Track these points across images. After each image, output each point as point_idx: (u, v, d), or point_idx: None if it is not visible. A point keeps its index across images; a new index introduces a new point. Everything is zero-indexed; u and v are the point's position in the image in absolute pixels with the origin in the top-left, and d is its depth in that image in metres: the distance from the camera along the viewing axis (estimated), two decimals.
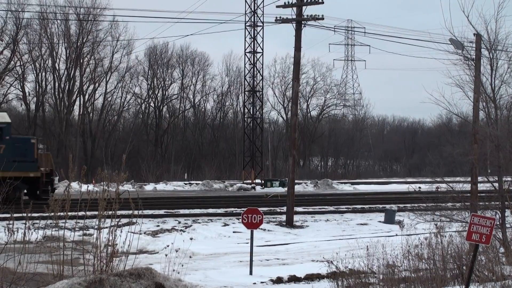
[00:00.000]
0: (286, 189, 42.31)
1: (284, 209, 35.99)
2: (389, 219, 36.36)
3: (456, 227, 22.70)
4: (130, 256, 12.72)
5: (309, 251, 26.66)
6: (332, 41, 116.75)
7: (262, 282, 19.82)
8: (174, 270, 13.24)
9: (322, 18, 34.50)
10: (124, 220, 16.08)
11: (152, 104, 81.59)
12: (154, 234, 29.80)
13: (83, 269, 12.41)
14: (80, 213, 12.82)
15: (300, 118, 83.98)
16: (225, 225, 32.99)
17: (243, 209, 25.90)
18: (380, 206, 42.44)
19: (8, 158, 34.90)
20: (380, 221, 36.83)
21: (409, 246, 17.42)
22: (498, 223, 21.72)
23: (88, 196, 12.24)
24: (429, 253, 16.94)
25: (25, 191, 37.50)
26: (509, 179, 25.43)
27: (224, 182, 64.41)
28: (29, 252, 12.39)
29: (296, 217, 35.42)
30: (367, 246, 17.93)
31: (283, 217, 35.38)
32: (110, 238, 12.37)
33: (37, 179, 37.79)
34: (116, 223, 12.62)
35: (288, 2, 34.59)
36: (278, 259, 24.92)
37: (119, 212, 12.72)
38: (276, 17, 35.98)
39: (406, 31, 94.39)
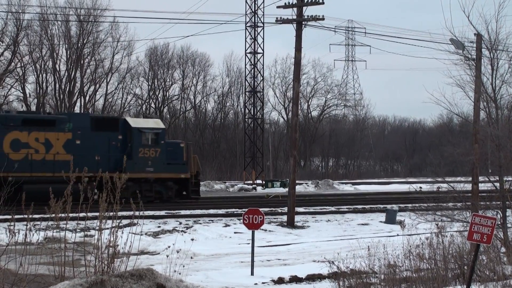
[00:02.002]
0: (287, 189, 42.29)
1: (285, 209, 35.99)
2: (390, 219, 36.36)
3: (457, 227, 22.70)
4: (131, 257, 12.72)
5: (310, 252, 26.66)
6: (333, 41, 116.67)
7: (263, 283, 19.82)
8: (175, 271, 13.24)
9: (323, 19, 34.50)
10: (125, 221, 16.11)
11: (152, 105, 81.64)
12: (155, 235, 29.81)
13: (85, 270, 12.41)
14: (81, 214, 12.84)
15: (301, 118, 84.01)
16: (226, 225, 33.00)
17: (244, 209, 25.91)
18: (381, 206, 42.44)
19: (163, 161, 41.17)
20: (381, 221, 36.83)
21: (410, 246, 17.42)
22: (499, 222, 21.72)
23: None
24: (430, 253, 16.94)
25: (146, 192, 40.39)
26: (510, 178, 25.42)
27: (225, 182, 64.46)
28: (30, 254, 12.39)
29: (297, 218, 35.42)
30: (368, 246, 17.94)
31: (284, 218, 35.38)
32: (111, 239, 12.38)
33: (186, 180, 42.20)
34: (117, 224, 12.62)
35: (289, 3, 34.59)
36: (279, 259, 24.92)
37: (120, 213, 12.73)
38: (277, 18, 36.00)
39: (407, 31, 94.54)
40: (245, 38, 68.76)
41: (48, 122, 39.64)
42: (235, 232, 31.17)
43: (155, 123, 43.86)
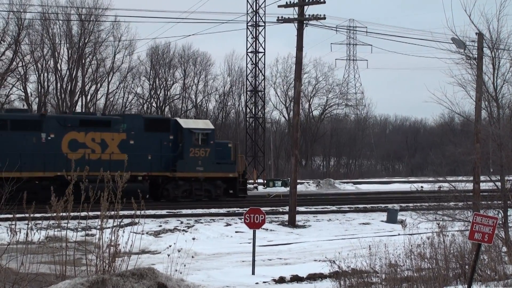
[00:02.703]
0: (288, 188, 42.31)
1: (287, 209, 35.99)
2: (392, 218, 36.36)
3: (459, 226, 22.69)
4: (133, 256, 12.72)
5: (312, 251, 26.66)
6: (334, 40, 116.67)
7: (264, 282, 19.81)
8: (176, 270, 13.24)
9: (324, 18, 34.48)
10: (126, 220, 16.10)
11: (154, 104, 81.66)
12: (157, 234, 29.82)
13: (86, 269, 12.42)
14: (83, 214, 12.84)
15: (302, 117, 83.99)
16: (228, 225, 33.00)
17: (245, 209, 25.91)
18: (383, 205, 42.43)
19: (212, 161, 42.90)
20: (382, 221, 36.82)
21: (411, 246, 17.42)
22: (500, 222, 21.71)
23: None
24: (432, 252, 16.94)
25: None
26: (511, 178, 25.42)
27: None
28: (32, 253, 12.40)
29: (298, 217, 35.40)
30: (370, 246, 17.93)
31: (286, 217, 35.37)
32: (113, 238, 12.39)
33: (234, 179, 43.83)
34: (118, 223, 12.63)
35: (290, 2, 34.57)
36: (280, 259, 24.92)
37: (121, 212, 12.73)
38: (278, 17, 35.99)
39: (408, 31, 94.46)
40: (247, 37, 68.78)
41: (104, 123, 41.28)
42: (236, 232, 31.17)
43: (205, 123, 45.62)
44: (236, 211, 36.45)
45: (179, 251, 18.37)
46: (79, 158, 38.30)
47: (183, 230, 30.85)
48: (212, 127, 45.47)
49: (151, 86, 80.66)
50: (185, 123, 44.14)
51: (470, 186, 27.51)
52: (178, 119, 46.35)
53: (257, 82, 69.63)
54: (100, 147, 40.50)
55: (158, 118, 48.90)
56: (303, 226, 34.47)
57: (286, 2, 34.78)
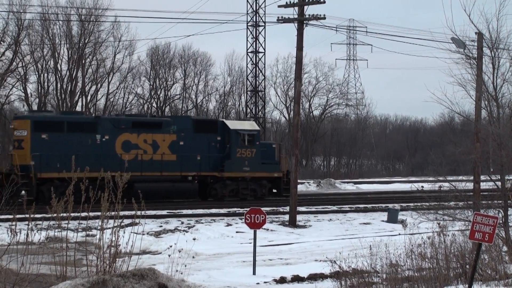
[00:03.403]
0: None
1: (287, 208, 36.00)
2: (392, 218, 36.35)
3: (459, 226, 22.67)
4: (133, 257, 12.73)
5: (312, 251, 26.65)
6: (334, 40, 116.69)
7: (265, 282, 19.81)
8: (177, 271, 13.24)
9: (324, 18, 34.47)
10: (127, 221, 16.11)
11: (154, 104, 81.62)
12: (157, 234, 29.81)
13: (86, 270, 12.42)
14: (83, 214, 12.84)
15: (303, 117, 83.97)
16: (228, 225, 32.99)
17: (246, 209, 25.94)
18: (383, 205, 42.41)
19: (258, 161, 44.54)
20: (383, 221, 36.82)
21: (412, 245, 17.42)
22: (501, 221, 21.70)
23: None
24: (432, 252, 16.94)
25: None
26: (511, 177, 25.41)
27: None
28: (32, 253, 12.40)
29: (299, 217, 35.40)
30: (370, 246, 17.93)
31: (286, 217, 35.37)
32: (113, 238, 12.39)
33: (279, 178, 45.28)
34: (119, 223, 12.63)
35: (290, 2, 34.55)
36: (281, 259, 24.92)
37: (121, 213, 12.73)
38: (278, 17, 35.98)
39: (408, 30, 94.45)
40: (247, 37, 68.77)
41: (155, 125, 42.74)
42: (237, 232, 31.17)
43: (251, 125, 47.35)
44: (237, 211, 36.46)
45: (179, 251, 18.34)
46: (132, 159, 40.35)
47: (184, 231, 30.85)
48: (257, 128, 47.43)
49: (151, 86, 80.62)
50: (232, 124, 45.48)
51: (470, 185, 27.50)
52: (225, 120, 47.89)
53: (257, 82, 69.62)
54: (151, 148, 41.94)
55: (206, 119, 50.62)
56: (304, 226, 34.47)
57: (286, 2, 34.77)
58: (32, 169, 37.71)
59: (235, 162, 43.90)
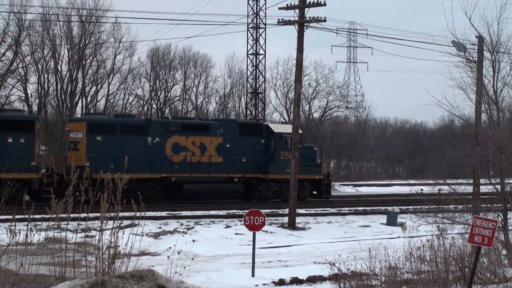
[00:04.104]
0: None
1: (286, 211, 35.99)
2: (391, 221, 36.35)
3: (458, 229, 22.69)
4: (132, 258, 12.73)
5: (311, 253, 26.65)
6: (335, 43, 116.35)
7: (264, 284, 19.80)
8: (176, 272, 13.25)
9: (325, 20, 34.45)
10: (126, 222, 16.11)
11: (154, 105, 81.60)
12: (156, 236, 29.81)
13: (85, 271, 12.42)
14: (82, 215, 12.84)
15: (302, 120, 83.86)
16: (227, 227, 32.99)
17: (245, 211, 25.93)
18: (382, 208, 42.38)
19: (300, 163, 42.33)
20: (382, 223, 36.82)
21: (411, 248, 17.41)
22: (500, 225, 21.71)
23: None
24: (431, 255, 16.93)
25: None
26: (511, 181, 25.41)
27: None
28: (31, 254, 12.40)
29: (298, 219, 35.39)
30: (369, 248, 17.93)
31: (285, 219, 35.37)
32: (112, 240, 12.39)
33: (320, 180, 46.59)
34: (118, 225, 12.63)
35: (291, 4, 34.57)
36: (280, 261, 24.91)
37: (121, 214, 12.73)
38: (279, 19, 36.01)
39: (408, 33, 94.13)
40: (247, 40, 68.75)
41: (203, 128, 44.09)
42: (236, 233, 31.16)
43: None
44: (236, 213, 36.44)
45: (178, 253, 18.34)
46: (181, 161, 42.42)
47: (183, 232, 30.84)
48: (300, 131, 46.99)
49: (151, 87, 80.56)
50: (275, 127, 46.76)
51: (470, 189, 27.49)
52: (269, 124, 48.93)
53: (257, 84, 69.61)
54: (199, 150, 43.26)
55: (251, 123, 51.40)
56: (303, 229, 34.47)
57: (287, 5, 34.78)
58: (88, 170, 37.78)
59: (278, 164, 45.12)
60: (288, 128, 46.48)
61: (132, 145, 40.81)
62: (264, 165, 45.22)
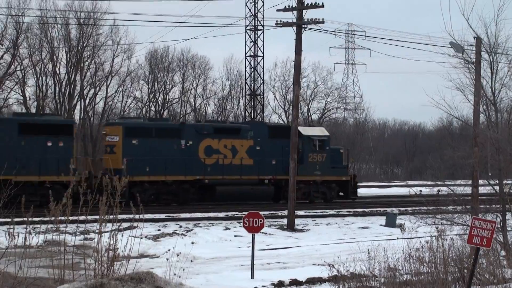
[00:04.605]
0: None
1: (285, 212, 35.99)
2: (390, 222, 36.35)
3: (457, 230, 22.70)
4: (131, 260, 12.71)
5: (311, 255, 26.65)
6: (333, 44, 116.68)
7: (263, 286, 19.80)
8: (175, 274, 13.23)
9: (323, 22, 34.46)
10: (125, 224, 16.09)
11: (153, 108, 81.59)
12: (155, 238, 29.80)
13: (84, 273, 12.41)
14: (81, 217, 12.83)
15: (301, 121, 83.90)
16: (226, 229, 33.00)
17: (244, 212, 25.93)
18: (381, 209, 42.41)
19: (328, 165, 46.91)
20: (381, 225, 36.83)
21: (410, 250, 17.41)
22: (499, 226, 21.72)
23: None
24: (430, 256, 16.93)
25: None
26: (509, 182, 25.42)
27: None
28: (30, 257, 12.39)
29: (297, 221, 35.40)
30: (368, 250, 17.94)
31: (284, 221, 35.36)
32: (111, 242, 12.38)
33: (346, 182, 47.78)
34: (117, 227, 12.62)
35: (289, 6, 34.58)
36: (279, 263, 24.91)
37: (120, 216, 12.72)
38: (277, 21, 36.02)
39: (407, 35, 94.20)
40: (245, 41, 68.75)
41: (234, 131, 45.38)
42: (235, 235, 31.16)
43: (321, 131, 49.94)
44: (235, 215, 36.44)
45: (178, 255, 18.34)
46: (214, 163, 43.63)
47: (182, 234, 30.84)
48: (327, 134, 49.40)
49: (149, 90, 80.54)
50: (304, 130, 47.49)
51: (468, 190, 27.51)
52: (298, 127, 48.26)
53: (256, 86, 69.62)
54: (231, 153, 44.33)
55: (280, 125, 53.46)
56: (302, 230, 34.47)
57: (285, 6, 34.80)
58: (124, 173, 38.82)
59: (307, 166, 46.05)
60: (316, 131, 48.93)
61: (166, 148, 42.07)
62: None
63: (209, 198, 43.59)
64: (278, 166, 45.29)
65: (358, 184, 50.49)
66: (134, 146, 41.45)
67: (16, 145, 38.06)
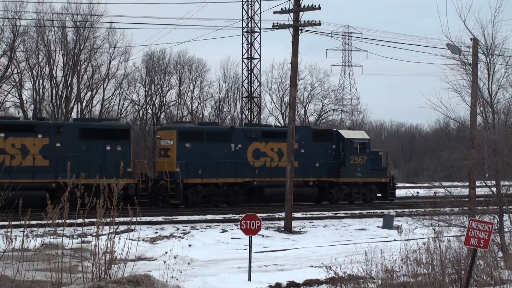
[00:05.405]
0: None
1: (283, 215, 35.97)
2: (387, 224, 36.36)
3: (455, 231, 22.69)
4: (129, 263, 12.71)
5: (308, 257, 26.65)
6: (329, 46, 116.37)
7: None
8: (172, 277, 13.23)
9: (319, 24, 34.49)
10: (122, 227, 16.09)
11: (149, 110, 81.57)
12: (153, 241, 29.77)
13: (82, 276, 12.41)
14: (78, 220, 12.83)
15: (298, 123, 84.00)
16: (224, 231, 32.98)
17: (241, 215, 25.92)
18: (378, 211, 42.42)
19: (368, 167, 48.82)
20: (378, 226, 36.83)
21: (407, 251, 17.44)
22: (496, 227, 21.72)
23: None
24: (428, 258, 16.95)
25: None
26: (506, 183, 25.43)
27: None
28: (27, 260, 12.38)
29: (294, 223, 35.40)
30: (366, 252, 17.94)
31: (282, 223, 35.36)
32: (109, 245, 12.38)
33: (386, 183, 49.76)
34: (114, 230, 12.62)
35: (285, 8, 34.60)
36: (276, 265, 24.90)
37: (117, 219, 12.72)
38: (273, 23, 35.99)
39: (403, 36, 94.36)
40: (242, 44, 68.75)
41: (280, 134, 45.82)
42: (232, 238, 31.15)
43: (361, 134, 51.45)
44: (232, 217, 36.43)
45: (175, 257, 18.35)
46: (262, 166, 45.24)
47: (179, 237, 30.81)
48: (367, 137, 51.34)
49: (146, 92, 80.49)
50: (346, 133, 49.25)
51: (465, 191, 27.53)
52: (340, 130, 51.12)
53: (252, 88, 69.62)
54: (277, 156, 45.80)
55: (323, 129, 54.79)
56: (299, 232, 34.46)
57: (282, 9, 34.81)
58: (179, 176, 41.70)
59: (349, 168, 47.87)
60: (357, 134, 50.51)
61: (217, 151, 43.58)
62: (335, 169, 47.90)
63: (257, 200, 44.96)
64: (322, 168, 47.18)
65: (396, 185, 52.32)
66: (187, 149, 42.95)
67: (78, 150, 39.45)
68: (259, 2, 67.65)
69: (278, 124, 79.64)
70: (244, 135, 45.14)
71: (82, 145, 39.86)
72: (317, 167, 47.01)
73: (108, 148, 40.62)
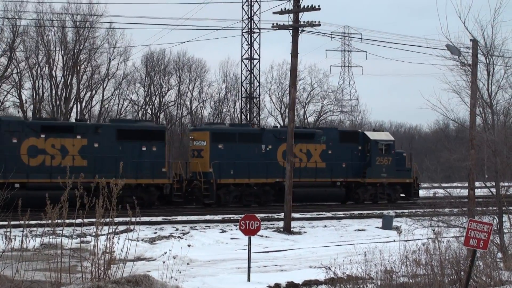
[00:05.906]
0: None
1: (282, 215, 35.97)
2: (387, 225, 36.35)
3: (454, 232, 22.69)
4: (128, 263, 12.71)
5: (307, 258, 26.64)
6: (329, 47, 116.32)
7: None
8: (172, 277, 13.22)
9: (319, 24, 34.48)
10: (121, 227, 16.08)
11: (149, 111, 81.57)
12: (152, 241, 29.76)
13: (81, 276, 12.40)
14: (78, 221, 12.82)
15: (297, 124, 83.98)
16: (223, 231, 32.96)
17: (240, 215, 25.93)
18: (378, 212, 42.41)
19: (393, 168, 49.89)
20: (377, 227, 36.82)
21: (406, 252, 17.43)
22: (495, 228, 21.72)
23: None
24: (427, 258, 16.95)
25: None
26: (506, 184, 25.42)
27: None
28: (27, 260, 12.37)
29: (293, 224, 35.39)
30: (365, 252, 17.94)
31: (281, 224, 35.34)
32: (108, 245, 12.37)
33: (410, 184, 50.73)
34: (113, 230, 12.61)
35: (285, 9, 34.59)
36: (276, 265, 24.89)
37: (116, 219, 12.71)
38: (273, 24, 35.98)
39: (403, 37, 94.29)
40: (241, 44, 68.73)
41: (308, 136, 47.54)
42: (231, 238, 31.13)
43: (386, 135, 52.85)
44: (232, 218, 36.43)
45: (174, 258, 18.34)
46: None
47: (179, 237, 30.79)
48: (392, 138, 52.48)
49: (146, 92, 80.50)
50: (372, 135, 50.35)
51: (465, 192, 27.53)
52: (365, 132, 52.69)
53: (252, 88, 69.62)
54: (306, 157, 46.73)
55: (349, 131, 55.82)
56: (299, 233, 34.45)
57: (281, 9, 34.81)
58: (212, 176, 42.81)
59: (375, 169, 48.93)
60: (383, 136, 51.73)
61: (248, 152, 44.59)
62: (361, 169, 48.84)
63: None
64: (348, 169, 48.20)
65: (419, 185, 52.66)
66: (220, 150, 43.95)
67: (115, 150, 40.21)
68: (258, 2, 67.67)
69: (278, 124, 79.64)
70: (274, 137, 46.04)
71: (119, 145, 40.69)
72: (343, 168, 47.97)
73: (144, 148, 41.48)
